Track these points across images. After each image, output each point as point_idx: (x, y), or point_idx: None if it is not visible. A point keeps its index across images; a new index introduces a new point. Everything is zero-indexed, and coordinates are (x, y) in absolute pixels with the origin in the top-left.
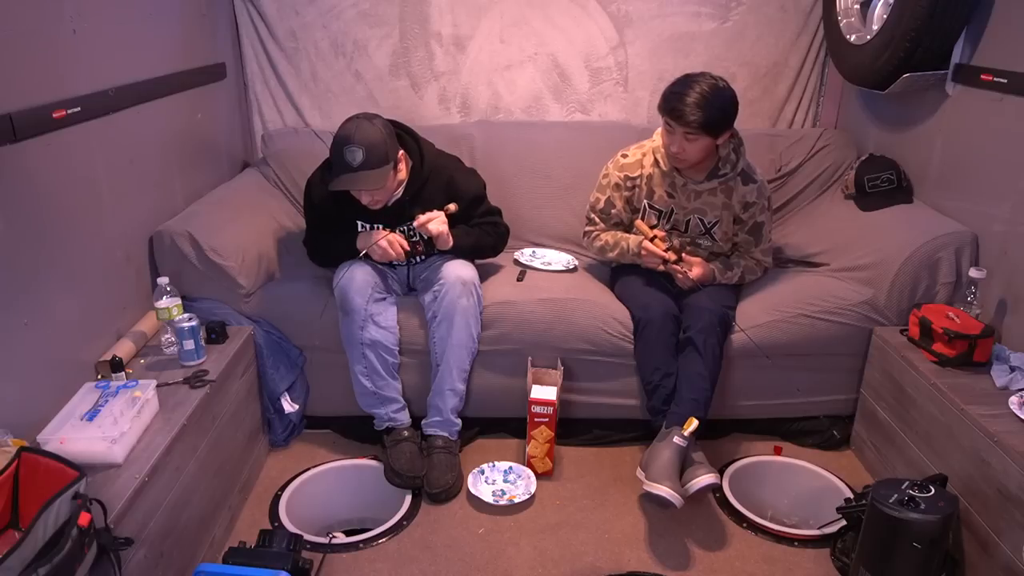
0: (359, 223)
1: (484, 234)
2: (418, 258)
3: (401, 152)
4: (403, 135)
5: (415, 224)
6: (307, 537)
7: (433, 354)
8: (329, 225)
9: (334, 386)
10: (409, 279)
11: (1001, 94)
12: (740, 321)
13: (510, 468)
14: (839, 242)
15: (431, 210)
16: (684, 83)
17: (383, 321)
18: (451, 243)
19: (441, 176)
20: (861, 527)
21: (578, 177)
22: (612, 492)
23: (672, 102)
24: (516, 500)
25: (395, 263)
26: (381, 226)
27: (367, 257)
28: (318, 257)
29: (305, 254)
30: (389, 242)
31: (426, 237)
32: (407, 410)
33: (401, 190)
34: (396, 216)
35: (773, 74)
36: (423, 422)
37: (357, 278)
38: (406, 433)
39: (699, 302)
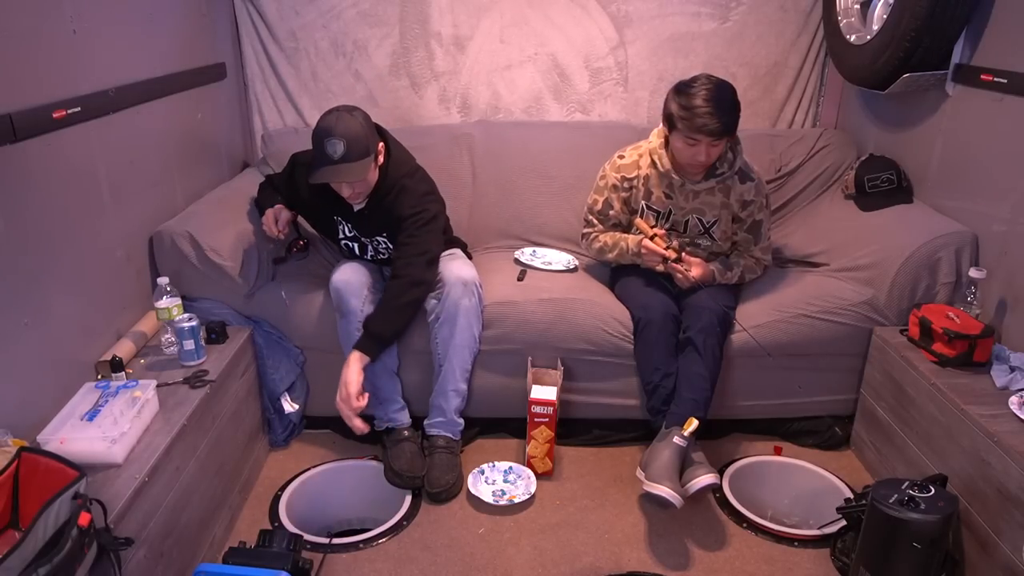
0: (335, 218)
1: (399, 311)
2: (293, 252)
3: (381, 144)
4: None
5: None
6: (307, 537)
7: (436, 355)
8: (292, 194)
9: (334, 386)
10: None
11: (1001, 94)
12: (741, 320)
13: (510, 468)
14: (839, 242)
15: (388, 223)
16: (700, 95)
17: None
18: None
19: (395, 193)
20: (861, 527)
21: (578, 177)
22: (612, 492)
23: (696, 118)
24: (516, 500)
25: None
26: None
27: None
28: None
29: (304, 256)
30: (269, 218)
31: (305, 241)
32: (407, 410)
33: (366, 199)
34: (363, 224)
35: (773, 74)
36: (425, 422)
37: (352, 280)
38: (406, 433)
39: (699, 302)
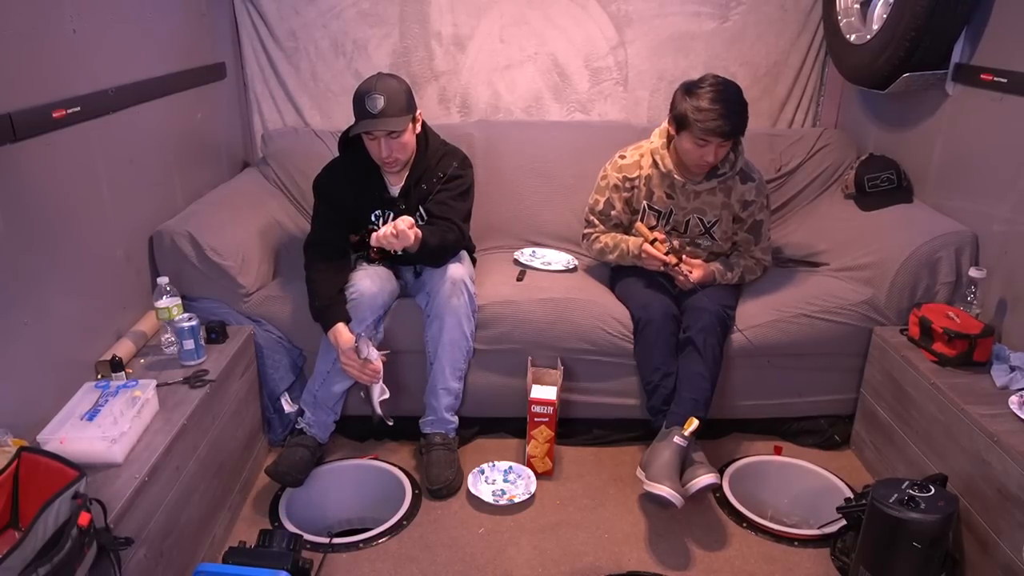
0: (374, 215)
1: (446, 230)
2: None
3: (419, 111)
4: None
5: (372, 241)
6: (307, 537)
7: (427, 353)
8: (340, 219)
9: None
10: (407, 286)
11: (1001, 94)
12: (741, 320)
13: (510, 468)
14: (839, 242)
15: (431, 183)
16: (710, 97)
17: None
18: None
19: (438, 157)
20: (861, 527)
21: (578, 177)
22: (612, 492)
23: (709, 120)
24: (516, 500)
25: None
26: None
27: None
28: (315, 264)
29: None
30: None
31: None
32: (331, 427)
33: (407, 174)
34: (405, 201)
35: (773, 74)
36: (420, 420)
37: (368, 290)
38: (308, 443)
39: (699, 302)
